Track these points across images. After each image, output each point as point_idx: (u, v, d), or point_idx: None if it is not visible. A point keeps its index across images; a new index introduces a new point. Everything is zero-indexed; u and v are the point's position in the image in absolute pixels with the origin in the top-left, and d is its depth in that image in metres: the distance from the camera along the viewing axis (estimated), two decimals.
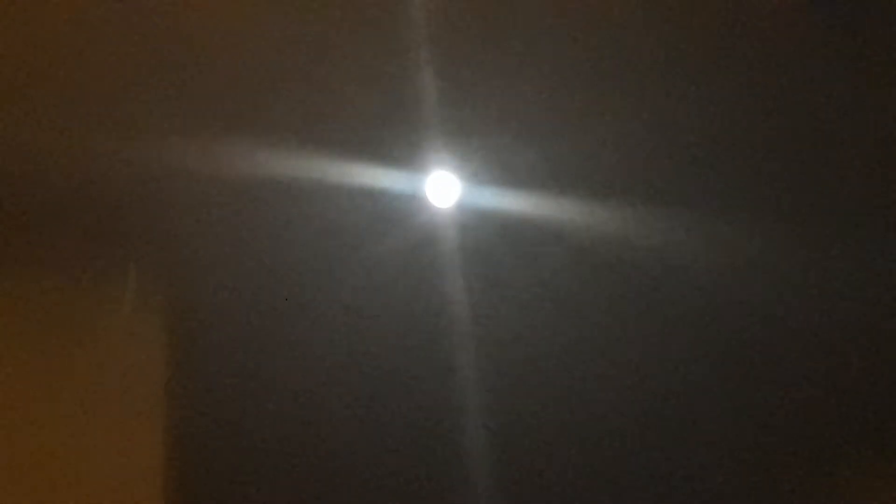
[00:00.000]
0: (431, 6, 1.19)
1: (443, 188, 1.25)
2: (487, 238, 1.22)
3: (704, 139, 1.21)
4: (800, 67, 1.20)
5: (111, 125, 1.14)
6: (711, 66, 1.20)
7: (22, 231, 1.12)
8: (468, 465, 1.20)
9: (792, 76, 1.20)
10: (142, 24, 1.13)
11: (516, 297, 1.23)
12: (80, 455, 1.12)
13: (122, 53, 1.15)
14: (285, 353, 1.19)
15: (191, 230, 1.16)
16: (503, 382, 1.21)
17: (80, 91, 1.14)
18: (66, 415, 1.12)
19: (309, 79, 1.20)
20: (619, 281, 1.21)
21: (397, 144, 1.22)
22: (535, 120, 1.22)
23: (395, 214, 1.22)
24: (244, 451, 1.17)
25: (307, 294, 1.19)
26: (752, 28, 1.20)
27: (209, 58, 1.16)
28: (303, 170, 1.19)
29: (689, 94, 1.20)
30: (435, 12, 1.19)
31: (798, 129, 1.20)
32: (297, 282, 1.19)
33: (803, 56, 1.20)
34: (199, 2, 1.15)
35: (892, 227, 1.18)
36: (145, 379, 1.13)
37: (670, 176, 1.22)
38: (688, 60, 1.21)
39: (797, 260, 1.19)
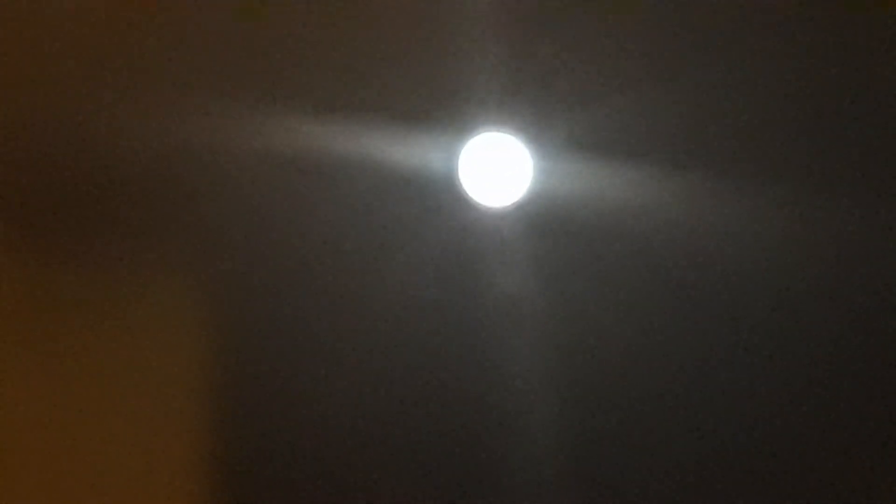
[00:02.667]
0: None
1: (494, 157, 1.10)
2: (553, 222, 1.08)
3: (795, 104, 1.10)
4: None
5: (135, 101, 1.09)
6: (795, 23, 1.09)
7: (46, 215, 1.10)
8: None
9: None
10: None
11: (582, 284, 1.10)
12: (111, 448, 1.10)
13: (144, 24, 1.10)
14: (323, 339, 1.09)
15: (221, 209, 1.09)
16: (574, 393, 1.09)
17: (104, 68, 1.09)
18: (95, 404, 1.10)
19: (343, 39, 1.10)
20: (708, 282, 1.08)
21: (441, 108, 1.08)
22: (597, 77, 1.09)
23: (440, 193, 1.09)
24: (279, 441, 1.10)
25: (348, 276, 1.09)
26: None
27: (234, 27, 1.10)
28: (348, 142, 1.08)
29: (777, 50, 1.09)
30: None
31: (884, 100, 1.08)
32: (339, 265, 1.09)
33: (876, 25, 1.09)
34: None
35: None
36: (177, 362, 1.10)
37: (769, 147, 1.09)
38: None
39: None
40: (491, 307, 1.09)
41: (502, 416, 1.08)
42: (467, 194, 1.09)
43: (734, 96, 1.09)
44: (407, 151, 1.09)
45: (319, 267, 1.09)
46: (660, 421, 1.08)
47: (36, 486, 1.10)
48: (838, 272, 1.08)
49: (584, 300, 1.09)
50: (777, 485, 1.08)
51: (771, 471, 1.08)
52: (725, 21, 1.09)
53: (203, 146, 1.09)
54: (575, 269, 1.08)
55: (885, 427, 1.07)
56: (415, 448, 1.08)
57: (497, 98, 1.09)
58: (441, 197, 1.09)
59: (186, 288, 1.10)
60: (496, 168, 1.09)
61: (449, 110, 1.09)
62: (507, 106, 1.09)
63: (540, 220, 1.08)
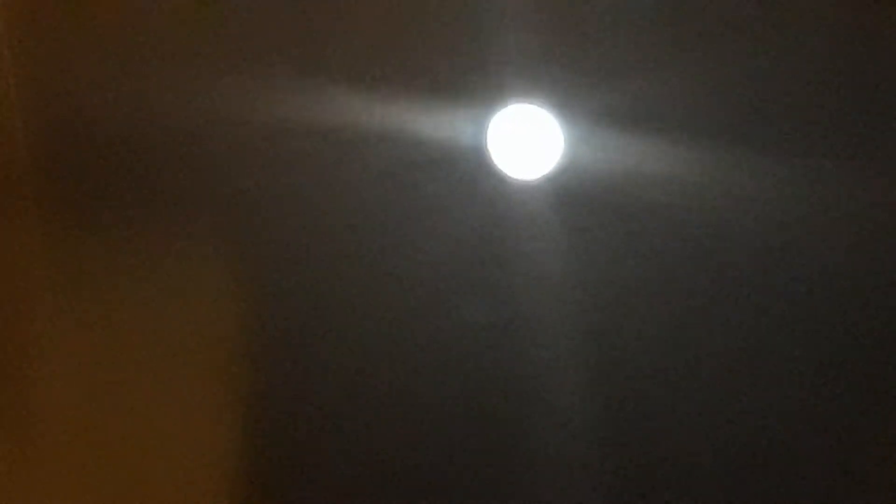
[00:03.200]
0: None
1: (524, 128, 1.09)
2: (585, 201, 1.07)
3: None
4: None
5: (167, 76, 1.09)
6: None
7: (80, 188, 1.11)
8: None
9: None
10: None
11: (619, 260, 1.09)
12: (144, 417, 1.14)
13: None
14: (352, 310, 1.11)
15: (251, 182, 1.10)
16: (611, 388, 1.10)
17: (135, 43, 1.10)
18: (126, 374, 1.13)
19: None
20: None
21: (471, 80, 1.07)
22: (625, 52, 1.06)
23: (469, 166, 1.08)
24: (306, 411, 1.14)
25: (377, 249, 1.10)
26: None
27: (262, 2, 1.08)
28: (376, 114, 1.08)
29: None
30: None
31: None
32: (368, 238, 1.11)
33: None
34: None
35: None
36: (206, 332, 1.13)
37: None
38: None
39: None
40: (521, 281, 1.10)
41: (532, 391, 1.10)
42: (497, 167, 1.08)
43: (763, 68, 1.05)
44: (436, 123, 1.08)
45: (348, 239, 1.10)
46: (691, 394, 1.09)
47: (65, 467, 1.14)
48: (872, 245, 1.07)
49: (616, 274, 1.09)
50: (813, 464, 1.09)
51: (812, 449, 1.09)
52: None
53: (233, 119, 1.09)
54: (606, 243, 1.08)
55: None
56: (442, 418, 1.11)
57: (526, 68, 1.07)
58: (470, 169, 1.08)
59: (217, 259, 1.11)
60: (526, 140, 1.07)
61: (477, 81, 1.07)
62: (537, 76, 1.07)
63: (570, 193, 1.07)
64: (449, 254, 1.10)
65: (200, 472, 1.14)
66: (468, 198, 1.09)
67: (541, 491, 1.12)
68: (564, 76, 1.06)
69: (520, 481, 1.12)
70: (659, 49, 1.05)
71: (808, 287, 1.07)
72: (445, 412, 1.11)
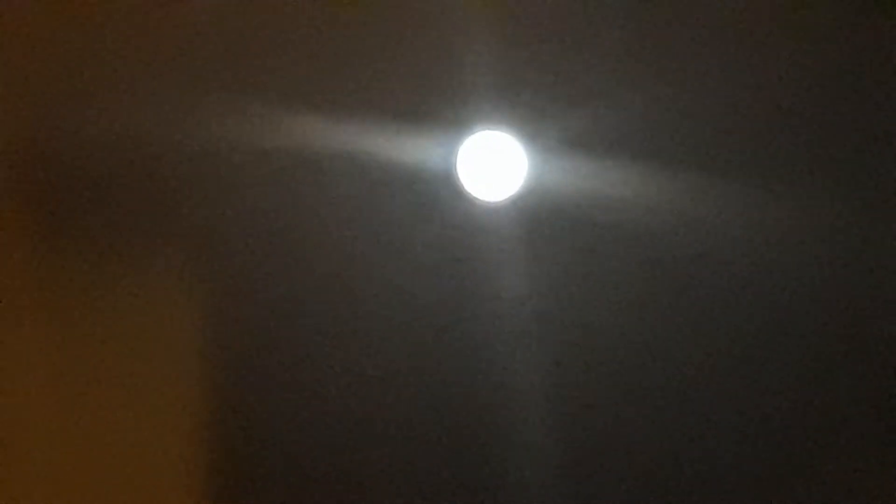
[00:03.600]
0: None
1: (491, 153, 1.15)
2: (549, 222, 1.12)
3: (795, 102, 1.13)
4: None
5: (137, 101, 1.11)
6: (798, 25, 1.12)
7: (54, 212, 1.12)
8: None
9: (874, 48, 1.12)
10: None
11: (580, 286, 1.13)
12: (113, 439, 1.12)
13: (144, 24, 1.12)
14: (320, 334, 1.12)
15: (218, 206, 1.12)
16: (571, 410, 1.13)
17: (109, 67, 1.12)
18: (96, 398, 1.12)
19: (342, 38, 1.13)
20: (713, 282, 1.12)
21: (439, 106, 1.13)
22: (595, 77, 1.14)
23: (439, 189, 1.13)
24: (276, 438, 1.13)
25: (346, 272, 1.12)
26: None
27: (230, 25, 1.12)
28: (346, 139, 1.12)
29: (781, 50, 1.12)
30: None
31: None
32: (338, 261, 1.13)
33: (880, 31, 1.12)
34: None
35: None
36: (177, 358, 1.12)
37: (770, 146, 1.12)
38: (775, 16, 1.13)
39: None
40: (487, 301, 1.13)
41: (498, 415, 1.11)
42: (465, 189, 1.13)
43: (726, 95, 1.12)
44: (406, 149, 1.13)
45: (317, 262, 1.11)
46: (658, 419, 1.11)
47: (39, 477, 1.12)
48: (835, 270, 1.11)
49: (579, 294, 1.12)
50: (780, 488, 1.12)
51: (775, 474, 1.11)
52: (722, 20, 1.12)
53: (200, 143, 1.11)
54: (569, 264, 1.12)
55: (887, 424, 1.10)
56: (409, 446, 1.12)
57: (493, 97, 1.13)
58: (440, 192, 1.12)
59: (185, 283, 1.11)
60: (493, 165, 1.13)
61: (447, 109, 1.12)
62: (503, 105, 1.13)
63: (534, 214, 1.12)
64: (416, 276, 1.13)
65: (174, 491, 1.12)
66: (437, 219, 1.12)
67: None
68: (530, 103, 1.13)
69: None
70: (623, 76, 1.12)
71: (772, 308, 1.11)
72: (410, 438, 1.12)
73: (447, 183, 1.13)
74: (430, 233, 1.13)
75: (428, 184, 1.13)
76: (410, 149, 1.13)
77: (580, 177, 1.13)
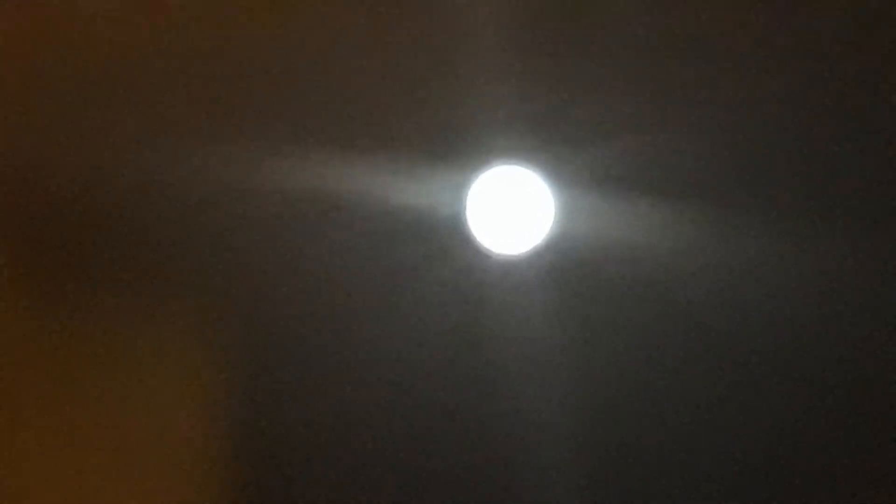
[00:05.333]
0: None
1: (508, 193, 0.95)
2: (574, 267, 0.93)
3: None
4: None
5: (141, 145, 1.00)
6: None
7: (54, 261, 1.02)
8: None
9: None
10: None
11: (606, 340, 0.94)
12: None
13: (146, 63, 1.01)
14: (321, 396, 0.97)
15: (218, 250, 0.99)
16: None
17: (113, 114, 1.01)
18: (99, 453, 1.01)
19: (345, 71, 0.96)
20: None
21: (445, 136, 0.93)
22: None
23: (444, 238, 0.94)
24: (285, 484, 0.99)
25: (344, 334, 0.96)
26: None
27: (231, 66, 0.98)
28: (340, 179, 0.94)
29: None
30: None
31: None
32: (334, 321, 0.96)
33: None
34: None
35: None
36: (182, 401, 1.00)
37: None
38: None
39: None
40: (504, 370, 0.94)
41: (518, 484, 0.93)
42: (476, 239, 0.93)
43: (769, 134, 0.93)
44: (406, 188, 0.93)
45: (312, 322, 0.95)
46: (690, 482, 0.93)
47: None
48: (864, 315, 0.93)
49: (612, 362, 0.93)
50: None
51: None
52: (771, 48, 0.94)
53: (201, 188, 0.97)
54: (602, 328, 0.92)
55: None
56: (419, 495, 0.94)
57: (511, 123, 0.93)
58: (446, 242, 0.93)
59: (187, 327, 0.99)
60: (510, 208, 0.93)
61: (454, 139, 0.93)
62: (524, 133, 0.93)
63: (562, 269, 0.92)
64: (420, 342, 0.93)
65: None
66: (442, 275, 0.93)
67: None
68: (555, 132, 0.93)
69: None
70: (669, 100, 0.92)
71: (814, 359, 0.93)
72: (421, 490, 0.94)
73: (455, 231, 0.93)
74: (432, 294, 0.93)
75: (431, 232, 0.93)
76: (408, 188, 0.93)
77: (619, 223, 0.92)
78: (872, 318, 0.94)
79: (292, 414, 0.96)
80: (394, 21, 0.94)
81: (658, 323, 0.93)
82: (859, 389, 0.94)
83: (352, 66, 0.95)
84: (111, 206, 0.99)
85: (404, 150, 0.93)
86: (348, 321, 0.94)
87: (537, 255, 0.93)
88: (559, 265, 0.93)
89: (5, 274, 1.02)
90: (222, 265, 0.97)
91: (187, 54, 0.99)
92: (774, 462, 0.94)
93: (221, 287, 0.97)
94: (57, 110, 1.00)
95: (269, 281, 0.96)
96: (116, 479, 0.99)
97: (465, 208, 0.93)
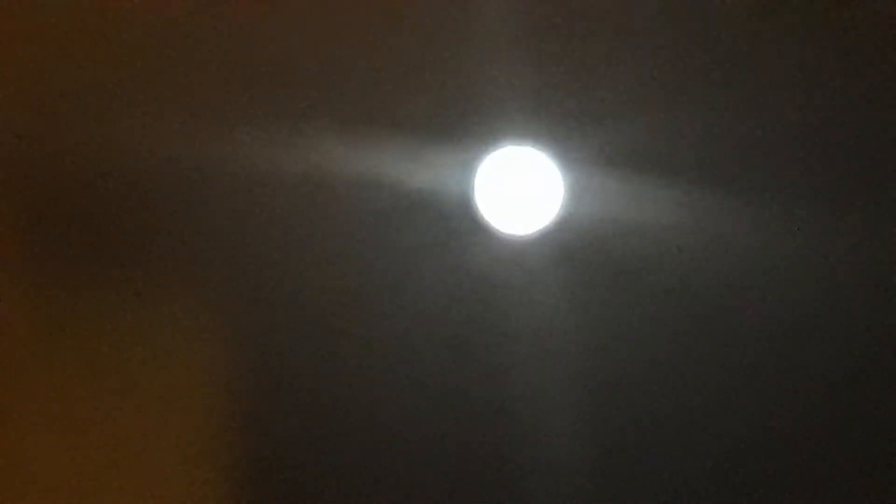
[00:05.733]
0: None
1: (517, 174, 0.94)
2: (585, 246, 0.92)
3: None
4: None
5: (148, 123, 0.98)
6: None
7: (57, 241, 1.00)
8: None
9: None
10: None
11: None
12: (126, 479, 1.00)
13: (154, 41, 0.98)
14: (327, 379, 0.97)
15: (227, 229, 0.98)
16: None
17: (120, 95, 0.99)
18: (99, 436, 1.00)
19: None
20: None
21: (453, 116, 0.92)
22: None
23: (453, 219, 0.93)
24: (290, 469, 0.98)
25: (351, 314, 0.95)
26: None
27: (240, 46, 0.96)
28: (349, 159, 0.93)
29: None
30: None
31: None
32: (342, 301, 0.95)
33: None
34: None
35: None
36: (185, 384, 0.99)
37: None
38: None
39: None
40: (512, 350, 0.93)
41: (528, 463, 0.93)
42: (485, 220, 0.92)
43: (776, 115, 0.92)
44: (415, 170, 0.92)
45: (321, 304, 0.95)
46: (698, 462, 0.93)
47: None
48: (876, 297, 0.94)
49: (620, 341, 0.93)
50: None
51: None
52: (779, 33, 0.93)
53: (207, 167, 0.96)
54: (610, 308, 0.92)
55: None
56: (432, 491, 0.94)
57: (520, 103, 0.92)
58: (454, 223, 0.92)
59: (194, 310, 0.98)
60: (519, 189, 0.92)
61: (463, 119, 0.92)
62: (533, 113, 0.92)
63: (570, 250, 0.92)
64: (428, 324, 0.93)
65: None
66: (451, 257, 0.92)
67: None
68: (565, 112, 0.92)
69: None
70: (678, 80, 0.91)
71: (819, 337, 0.93)
72: (432, 483, 0.94)
73: (463, 212, 0.92)
74: (441, 275, 0.93)
75: (439, 213, 0.93)
76: (417, 170, 0.92)
77: (628, 203, 0.92)
78: (875, 296, 0.94)
79: (299, 393, 0.96)
80: (403, 2, 0.93)
81: (666, 302, 0.93)
82: (862, 366, 0.94)
83: (360, 47, 0.93)
84: (113, 193, 0.98)
85: (413, 132, 0.92)
86: (357, 302, 0.94)
87: (546, 236, 0.92)
88: (568, 246, 0.92)
89: (6, 266, 1.01)
90: (229, 249, 0.96)
91: (192, 36, 0.97)
92: (779, 437, 0.94)
93: (228, 271, 0.96)
94: (56, 109, 0.99)
95: (277, 263, 0.95)
96: (116, 477, 0.99)
97: (473, 189, 0.92)
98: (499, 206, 0.92)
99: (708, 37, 0.93)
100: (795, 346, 0.93)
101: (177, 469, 0.98)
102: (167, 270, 0.98)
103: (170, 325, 0.98)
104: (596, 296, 0.93)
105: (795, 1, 0.93)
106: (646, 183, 0.92)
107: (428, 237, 0.93)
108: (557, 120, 0.92)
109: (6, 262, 0.99)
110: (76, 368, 0.98)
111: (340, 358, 0.95)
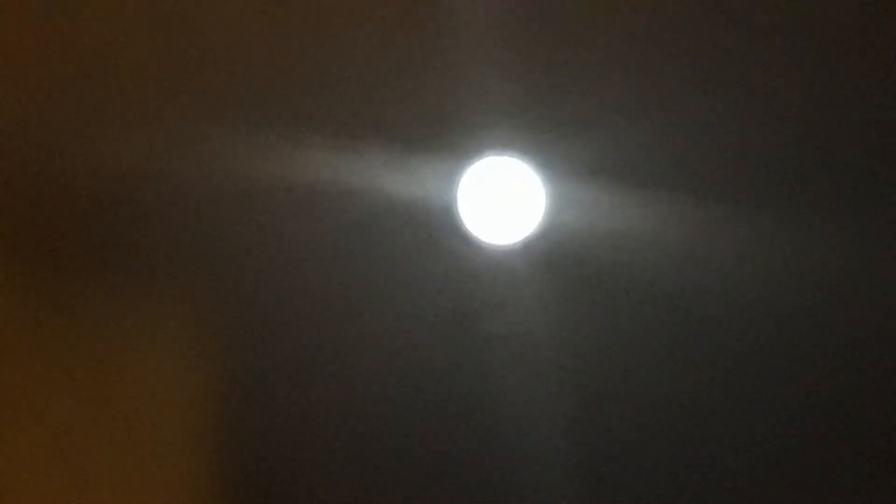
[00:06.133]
0: None
1: (499, 184, 0.94)
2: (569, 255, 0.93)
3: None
4: None
5: (136, 132, 0.99)
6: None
7: (52, 246, 1.01)
8: None
9: None
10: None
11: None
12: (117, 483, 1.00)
13: (143, 50, 0.99)
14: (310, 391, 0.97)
15: (210, 238, 0.98)
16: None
17: (113, 107, 1.00)
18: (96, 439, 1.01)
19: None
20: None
21: (436, 126, 0.92)
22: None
23: (436, 228, 0.94)
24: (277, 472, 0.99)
25: (333, 324, 0.96)
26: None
27: (228, 48, 0.97)
28: (331, 168, 0.94)
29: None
30: None
31: None
32: (324, 311, 0.96)
33: None
34: None
35: None
36: (176, 389, 1.00)
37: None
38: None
39: None
40: (495, 359, 0.94)
41: (511, 470, 0.94)
42: (468, 229, 0.93)
43: (760, 124, 0.93)
44: (397, 179, 0.93)
45: (304, 311, 0.95)
46: (680, 472, 0.94)
47: None
48: (863, 309, 0.94)
49: (603, 350, 0.93)
50: None
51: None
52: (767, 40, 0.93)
53: (196, 178, 0.96)
54: (593, 317, 0.93)
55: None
56: (415, 495, 0.94)
57: (502, 113, 0.93)
58: (437, 232, 0.93)
59: (184, 311, 0.98)
60: (502, 198, 0.93)
61: (447, 130, 0.92)
62: (515, 123, 0.92)
63: (553, 259, 0.92)
64: (410, 334, 0.93)
65: None
66: (434, 266, 0.93)
67: None
68: (547, 122, 0.92)
69: None
70: (659, 90, 0.92)
71: (806, 351, 0.93)
72: (416, 497, 0.95)
73: (446, 221, 0.93)
74: (423, 284, 0.93)
75: (422, 222, 0.93)
76: (400, 179, 0.93)
77: (610, 213, 0.92)
78: (864, 305, 0.94)
79: (285, 402, 0.96)
80: (386, 12, 0.93)
81: (648, 312, 0.93)
82: (852, 375, 0.95)
83: (344, 59, 0.94)
84: (109, 197, 0.98)
85: (396, 141, 0.93)
86: (340, 310, 0.94)
87: (528, 246, 0.93)
88: (550, 255, 0.93)
89: (4, 268, 1.02)
90: (215, 255, 0.96)
91: (181, 47, 0.98)
92: (766, 447, 0.95)
93: (214, 277, 0.97)
94: (55, 108, 0.99)
95: (260, 270, 0.96)
96: (105, 480, 0.99)
97: (456, 199, 0.93)
98: (481, 216, 0.93)
99: (690, 48, 0.94)
100: (781, 354, 0.94)
101: (167, 472, 0.98)
102: (154, 277, 0.98)
103: (159, 330, 0.98)
104: (578, 305, 0.93)
105: (781, 13, 0.94)
106: (628, 192, 0.92)
107: (411, 246, 0.93)
108: (540, 130, 0.93)
109: None
110: (64, 373, 0.99)
111: (326, 364, 0.96)
